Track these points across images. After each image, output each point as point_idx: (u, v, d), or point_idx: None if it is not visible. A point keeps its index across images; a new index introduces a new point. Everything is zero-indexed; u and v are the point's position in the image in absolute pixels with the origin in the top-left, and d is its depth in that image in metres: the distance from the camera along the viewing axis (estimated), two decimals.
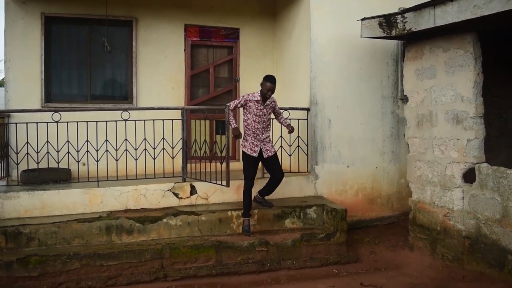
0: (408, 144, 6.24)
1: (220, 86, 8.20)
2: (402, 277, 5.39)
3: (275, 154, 5.99)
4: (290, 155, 6.78)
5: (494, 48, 5.97)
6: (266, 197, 6.20)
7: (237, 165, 7.53)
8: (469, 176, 5.21)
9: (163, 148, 6.29)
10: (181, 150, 6.33)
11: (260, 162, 5.97)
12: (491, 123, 6.59)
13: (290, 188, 6.67)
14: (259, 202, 6.13)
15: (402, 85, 7.02)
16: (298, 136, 6.76)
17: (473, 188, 5.14)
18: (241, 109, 6.02)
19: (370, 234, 6.70)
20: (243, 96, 5.82)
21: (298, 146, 6.78)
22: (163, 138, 6.25)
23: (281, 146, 6.69)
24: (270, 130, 5.98)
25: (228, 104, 5.84)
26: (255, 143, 5.78)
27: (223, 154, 6.01)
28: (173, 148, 6.32)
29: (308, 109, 6.92)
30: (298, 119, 6.77)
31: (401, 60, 7.14)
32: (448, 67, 5.50)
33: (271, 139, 6.00)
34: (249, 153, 5.77)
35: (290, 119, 6.46)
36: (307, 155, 6.89)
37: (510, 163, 5.55)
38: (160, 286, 5.10)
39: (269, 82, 5.65)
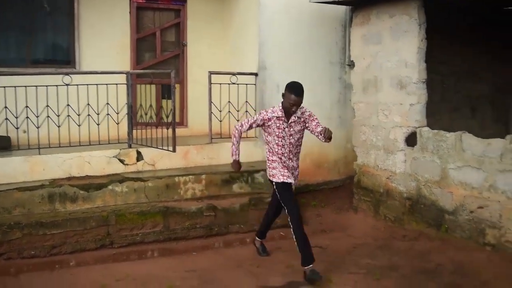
0: (354, 109, 6.34)
1: (167, 50, 7.97)
2: (346, 238, 5.56)
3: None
4: (238, 120, 6.74)
5: (436, 15, 6.09)
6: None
7: (184, 131, 7.44)
8: (411, 139, 5.38)
9: (108, 114, 6.09)
10: (126, 115, 6.17)
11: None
12: (434, 88, 6.78)
13: None
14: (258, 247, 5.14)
15: (349, 51, 7.08)
16: (247, 101, 6.72)
17: (415, 152, 5.32)
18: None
19: (317, 198, 6.84)
20: (260, 113, 4.52)
21: (247, 111, 6.75)
22: (107, 104, 6.05)
23: (229, 111, 6.64)
24: (299, 157, 4.77)
25: (239, 124, 4.61)
26: (287, 173, 4.57)
27: (170, 119, 5.89)
28: (118, 113, 6.14)
29: (256, 74, 6.87)
30: (246, 84, 6.71)
31: (349, 26, 7.16)
32: (393, 33, 5.58)
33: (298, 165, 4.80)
34: (281, 180, 4.53)
35: (238, 84, 6.40)
36: None
37: (451, 127, 5.76)
38: (106, 253, 5.02)
39: (294, 94, 4.28)
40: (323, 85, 7.20)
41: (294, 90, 4.33)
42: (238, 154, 4.70)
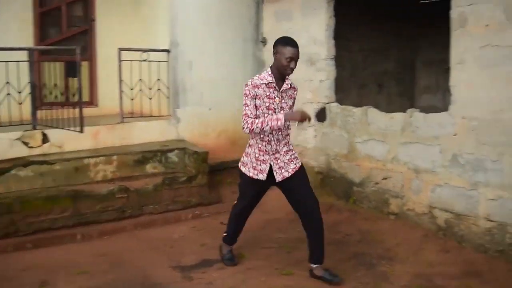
0: None
1: (74, 26, 7.56)
2: (259, 214, 5.61)
3: (300, 172, 3.86)
4: (150, 99, 6.58)
5: None
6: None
7: (94, 111, 7.14)
8: (321, 115, 5.52)
9: (8, 94, 5.70)
10: (29, 95, 5.80)
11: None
12: (344, 65, 7.00)
13: (151, 132, 6.50)
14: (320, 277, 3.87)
15: (263, 28, 7.09)
16: (159, 79, 6.56)
17: (324, 127, 5.47)
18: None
19: (232, 175, 6.82)
20: (246, 85, 3.59)
21: (159, 89, 6.59)
22: (7, 83, 5.66)
23: (140, 90, 6.44)
24: (289, 140, 3.84)
25: (246, 123, 3.52)
26: (262, 157, 3.70)
27: (76, 98, 5.61)
28: (20, 93, 5.76)
29: (168, 51, 6.70)
30: (159, 61, 6.54)
31: (262, 3, 7.17)
32: (303, 10, 5.64)
33: (294, 153, 3.85)
34: (250, 174, 3.75)
35: (150, 61, 6.22)
36: (168, 98, 6.75)
37: (359, 102, 5.98)
38: (11, 243, 4.73)
39: (290, 46, 3.50)
40: (236, 62, 7.17)
41: (290, 42, 3.53)
42: (279, 113, 3.56)
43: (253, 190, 3.96)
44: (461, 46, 4.09)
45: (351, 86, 7.17)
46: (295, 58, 3.51)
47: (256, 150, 3.71)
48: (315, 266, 3.88)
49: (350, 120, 5.15)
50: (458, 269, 3.99)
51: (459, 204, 4.28)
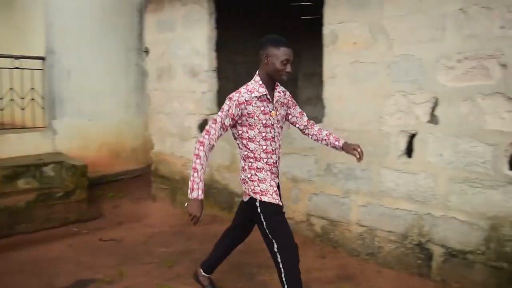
0: (150, 97, 6.26)
1: None
2: (143, 228, 5.48)
3: None
4: (23, 109, 6.12)
5: (230, 6, 6.35)
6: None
7: None
8: (204, 127, 5.50)
9: None
10: None
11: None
12: (229, 77, 7.08)
13: (24, 145, 6.06)
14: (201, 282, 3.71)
15: (145, 38, 6.96)
16: (33, 88, 6.14)
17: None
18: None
19: (114, 189, 6.61)
20: (228, 102, 2.94)
21: (33, 99, 6.16)
22: None
23: (11, 99, 5.97)
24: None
25: (203, 134, 2.95)
26: (274, 181, 3.16)
27: None
28: None
29: (43, 58, 6.32)
30: (33, 69, 6.12)
31: (145, 12, 7.04)
32: (186, 21, 5.61)
33: None
34: (274, 201, 3.03)
35: (23, 69, 5.80)
36: (43, 108, 6.33)
37: None
38: None
39: (284, 46, 2.96)
40: (119, 72, 6.97)
41: (281, 41, 2.97)
42: (202, 189, 2.96)
43: (285, 220, 3.10)
44: (333, 62, 4.33)
45: None
46: (291, 59, 2.97)
47: (269, 173, 3.12)
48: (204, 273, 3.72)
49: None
50: (333, 273, 4.17)
51: (334, 211, 4.50)
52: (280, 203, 3.06)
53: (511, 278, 3.59)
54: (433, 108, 3.82)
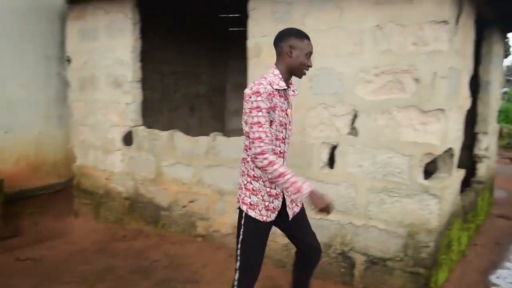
0: (72, 108, 6.02)
1: None
2: (64, 246, 5.22)
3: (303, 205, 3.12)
4: None
5: (159, 16, 6.26)
6: None
7: None
8: (128, 139, 5.37)
9: None
10: None
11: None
12: (155, 88, 6.97)
13: None
14: None
15: (67, 47, 6.70)
16: None
17: (131, 150, 5.33)
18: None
19: (34, 204, 6.25)
20: (256, 94, 2.62)
21: None
22: None
23: None
24: None
25: (258, 141, 2.60)
26: (275, 191, 2.83)
27: None
28: None
29: None
30: None
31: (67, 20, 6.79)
32: (109, 31, 5.46)
33: None
34: (260, 218, 2.82)
35: None
36: None
37: (172, 125, 5.98)
38: None
39: (307, 38, 2.81)
40: (38, 81, 6.63)
41: (304, 34, 2.81)
42: (304, 181, 2.66)
43: (265, 240, 2.93)
44: (257, 74, 4.33)
45: (162, 109, 7.16)
46: (312, 53, 2.83)
47: (267, 183, 2.80)
48: None
49: (157, 144, 5.10)
50: (260, 285, 4.13)
51: None
52: (270, 219, 2.84)
53: (428, 283, 3.75)
54: (353, 121, 3.94)
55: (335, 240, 4.11)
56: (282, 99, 2.76)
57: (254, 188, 2.81)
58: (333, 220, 4.09)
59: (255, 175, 2.80)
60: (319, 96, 4.05)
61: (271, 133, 2.67)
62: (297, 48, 2.74)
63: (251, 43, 4.37)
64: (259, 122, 2.61)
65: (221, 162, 4.69)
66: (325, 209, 2.69)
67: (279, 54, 2.81)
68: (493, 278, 4.60)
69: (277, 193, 2.83)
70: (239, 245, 2.86)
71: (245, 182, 2.85)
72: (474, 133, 5.77)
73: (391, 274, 3.88)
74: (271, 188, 2.81)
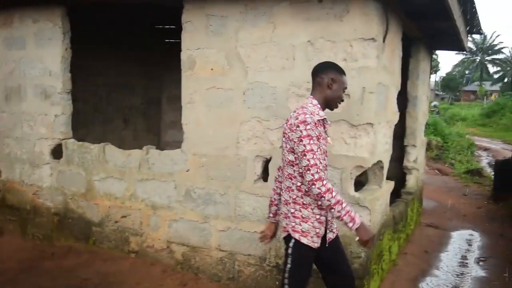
0: None
1: None
2: None
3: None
4: None
5: (88, 26, 6.09)
6: None
7: None
8: (57, 152, 5.16)
9: None
10: None
11: None
12: (87, 99, 6.75)
13: None
14: None
15: None
16: None
17: (61, 164, 5.12)
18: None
19: None
20: (303, 123, 2.73)
21: None
22: None
23: None
24: None
25: (317, 175, 2.69)
26: (323, 217, 2.91)
27: None
28: None
29: None
30: None
31: None
32: (37, 39, 5.24)
33: None
34: (312, 244, 2.88)
35: None
36: None
37: (104, 138, 5.80)
38: None
39: (344, 74, 3.00)
40: None
41: (342, 69, 2.99)
42: (353, 211, 2.78)
43: (312, 267, 2.99)
44: (191, 87, 4.32)
45: (95, 122, 6.94)
46: (346, 88, 3.03)
47: (316, 210, 2.86)
48: None
49: (88, 157, 4.93)
50: None
51: (194, 237, 4.45)
52: (318, 245, 2.89)
53: None
54: None
55: (270, 252, 4.12)
56: (322, 128, 2.88)
57: (304, 216, 2.85)
58: None
59: (304, 203, 2.85)
60: (253, 110, 4.06)
61: (323, 159, 2.81)
62: (338, 81, 2.90)
63: (185, 55, 4.33)
64: (312, 150, 2.71)
65: (155, 175, 4.59)
66: (369, 241, 2.80)
67: (318, 84, 2.94)
68: (422, 285, 4.78)
69: (323, 220, 2.90)
70: (286, 274, 2.89)
71: (293, 210, 2.87)
72: (403, 146, 5.99)
73: (323, 284, 3.92)
74: (320, 215, 2.87)
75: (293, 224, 2.88)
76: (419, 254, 5.63)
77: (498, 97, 42.76)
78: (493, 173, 9.96)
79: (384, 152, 4.26)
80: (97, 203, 4.92)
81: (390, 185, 4.63)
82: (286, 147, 2.86)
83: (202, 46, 4.23)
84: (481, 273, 5.22)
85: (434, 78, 56.27)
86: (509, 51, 61.67)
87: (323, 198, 2.70)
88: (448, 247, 6.08)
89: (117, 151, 4.80)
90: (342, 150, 3.79)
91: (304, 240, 2.85)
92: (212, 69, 4.20)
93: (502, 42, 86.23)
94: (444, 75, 65.16)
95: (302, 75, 3.83)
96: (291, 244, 2.88)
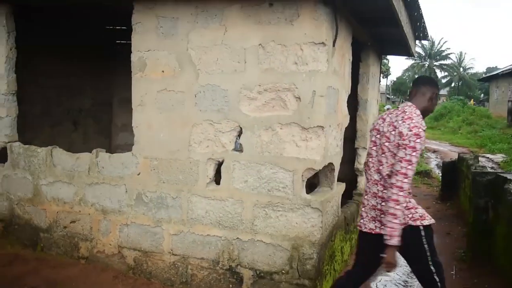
0: None
1: None
2: None
3: None
4: None
5: (36, 25, 5.91)
6: None
7: None
8: (2, 156, 4.97)
9: None
10: None
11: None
12: (34, 102, 6.54)
13: None
14: None
15: None
16: None
17: (6, 168, 4.95)
18: None
19: None
20: (417, 136, 2.99)
21: None
22: None
23: None
24: None
25: (403, 188, 2.98)
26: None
27: None
28: None
29: None
30: None
31: None
32: None
33: None
34: (431, 221, 3.23)
35: None
36: None
37: (52, 142, 5.62)
38: None
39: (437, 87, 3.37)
40: None
41: (436, 82, 3.43)
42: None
43: None
44: (142, 89, 4.26)
45: (43, 124, 6.72)
46: None
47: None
48: None
49: (35, 161, 4.77)
50: None
51: (146, 241, 4.38)
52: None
53: None
54: (238, 137, 3.99)
55: (223, 256, 4.10)
56: None
57: (413, 204, 3.19)
58: (220, 236, 4.09)
59: (410, 192, 3.11)
60: (204, 113, 4.04)
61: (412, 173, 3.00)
62: (436, 97, 3.25)
63: (135, 57, 4.26)
64: (410, 161, 2.96)
65: (105, 179, 4.49)
66: (391, 266, 3.05)
67: (421, 95, 3.24)
68: (375, 285, 4.88)
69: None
70: (430, 263, 3.13)
71: (403, 201, 3.00)
72: (354, 148, 6.11)
73: (278, 287, 3.95)
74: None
75: (410, 215, 3.13)
76: None
77: (445, 101, 44.37)
78: (441, 174, 10.31)
79: (335, 154, 4.33)
80: (44, 208, 4.77)
81: (342, 187, 4.72)
82: (385, 144, 3.15)
83: (153, 48, 4.18)
84: None
85: (385, 82, 57.77)
86: (456, 57, 63.62)
87: (389, 201, 3.00)
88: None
89: (65, 155, 4.67)
90: (293, 153, 3.83)
91: (426, 223, 3.14)
92: (163, 71, 4.16)
93: (449, 48, 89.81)
94: (395, 79, 67.13)
95: (254, 78, 3.85)
96: (422, 233, 3.14)
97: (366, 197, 3.35)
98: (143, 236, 4.39)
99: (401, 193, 2.94)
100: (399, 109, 3.22)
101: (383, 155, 3.16)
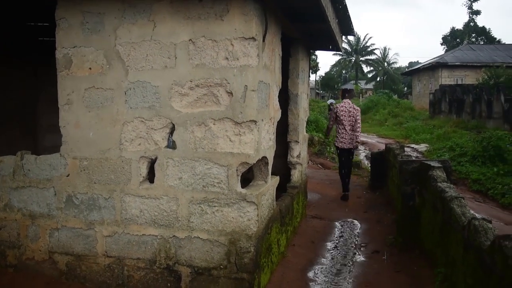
0: None
1: None
2: None
3: None
4: None
5: None
6: None
7: None
8: None
9: None
10: None
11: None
12: None
13: None
14: None
15: None
16: None
17: None
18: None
19: None
20: (359, 112, 9.46)
21: None
22: None
23: None
24: None
25: None
26: None
27: None
28: None
29: None
30: None
31: None
32: None
33: None
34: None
35: None
36: None
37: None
38: None
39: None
40: None
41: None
42: None
43: None
44: (68, 87, 4.11)
45: None
46: None
47: None
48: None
49: None
50: None
51: (78, 245, 4.24)
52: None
53: (252, 287, 3.90)
54: (171, 134, 3.95)
55: (159, 255, 4.05)
56: None
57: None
58: (156, 235, 4.03)
59: None
60: (135, 110, 3.96)
61: None
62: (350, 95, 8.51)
63: (60, 54, 4.10)
64: (360, 121, 8.83)
65: (31, 182, 4.30)
66: (357, 147, 9.20)
67: (350, 96, 9.52)
68: (311, 274, 5.00)
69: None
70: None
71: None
72: (287, 142, 6.22)
73: (217, 282, 3.95)
74: None
75: (354, 143, 8.53)
76: (306, 244, 5.89)
77: (372, 95, 46.09)
78: (369, 165, 10.71)
79: (268, 148, 4.39)
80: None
81: (276, 180, 4.79)
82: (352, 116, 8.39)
83: (79, 44, 4.04)
84: (362, 258, 5.59)
85: (315, 77, 59.17)
86: (380, 52, 66.05)
87: (357, 135, 8.36)
88: (333, 236, 6.44)
89: None
90: (227, 148, 3.84)
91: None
92: (90, 69, 4.03)
93: (374, 44, 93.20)
94: (324, 74, 68.88)
95: (185, 74, 3.82)
96: (353, 151, 8.74)
97: (343, 135, 8.30)
98: (75, 239, 4.24)
99: (359, 131, 8.23)
100: (347, 102, 8.41)
101: (351, 121, 8.26)
